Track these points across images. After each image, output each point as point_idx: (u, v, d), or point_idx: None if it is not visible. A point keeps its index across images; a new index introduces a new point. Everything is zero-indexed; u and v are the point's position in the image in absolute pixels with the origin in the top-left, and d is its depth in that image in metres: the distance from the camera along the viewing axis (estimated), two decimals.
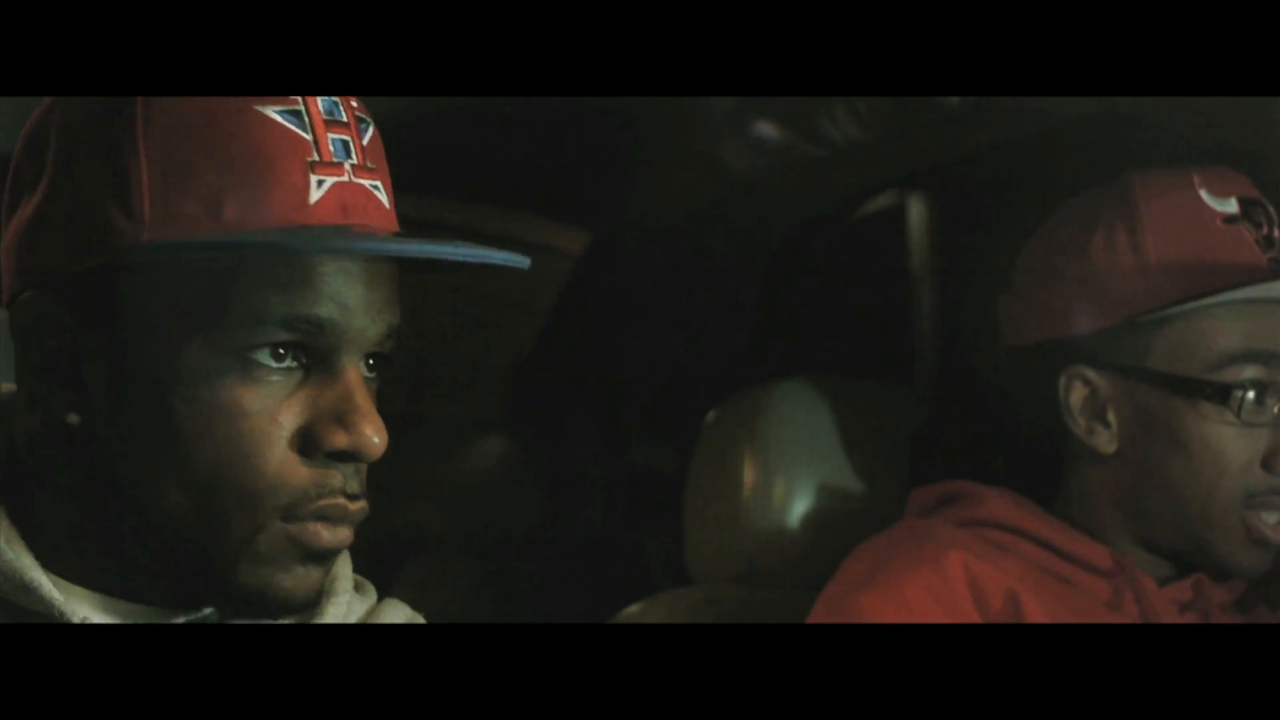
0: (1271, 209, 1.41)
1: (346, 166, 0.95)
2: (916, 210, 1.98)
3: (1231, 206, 1.39)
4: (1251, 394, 1.35)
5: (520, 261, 0.96)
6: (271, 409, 0.94)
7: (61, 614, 0.95)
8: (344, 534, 0.97)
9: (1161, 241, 1.39)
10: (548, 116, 1.79)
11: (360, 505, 0.97)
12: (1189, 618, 1.39)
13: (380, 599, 1.10)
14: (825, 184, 1.93)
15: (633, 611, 1.63)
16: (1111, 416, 1.40)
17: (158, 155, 0.93)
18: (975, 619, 1.34)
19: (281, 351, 0.94)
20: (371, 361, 0.98)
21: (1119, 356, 1.40)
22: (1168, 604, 1.38)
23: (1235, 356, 1.36)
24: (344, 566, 1.07)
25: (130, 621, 0.97)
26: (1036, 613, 1.34)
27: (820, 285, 2.17)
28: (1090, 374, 1.41)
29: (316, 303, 0.94)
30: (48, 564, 0.96)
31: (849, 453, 1.62)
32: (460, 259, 0.94)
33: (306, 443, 0.94)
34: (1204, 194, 1.40)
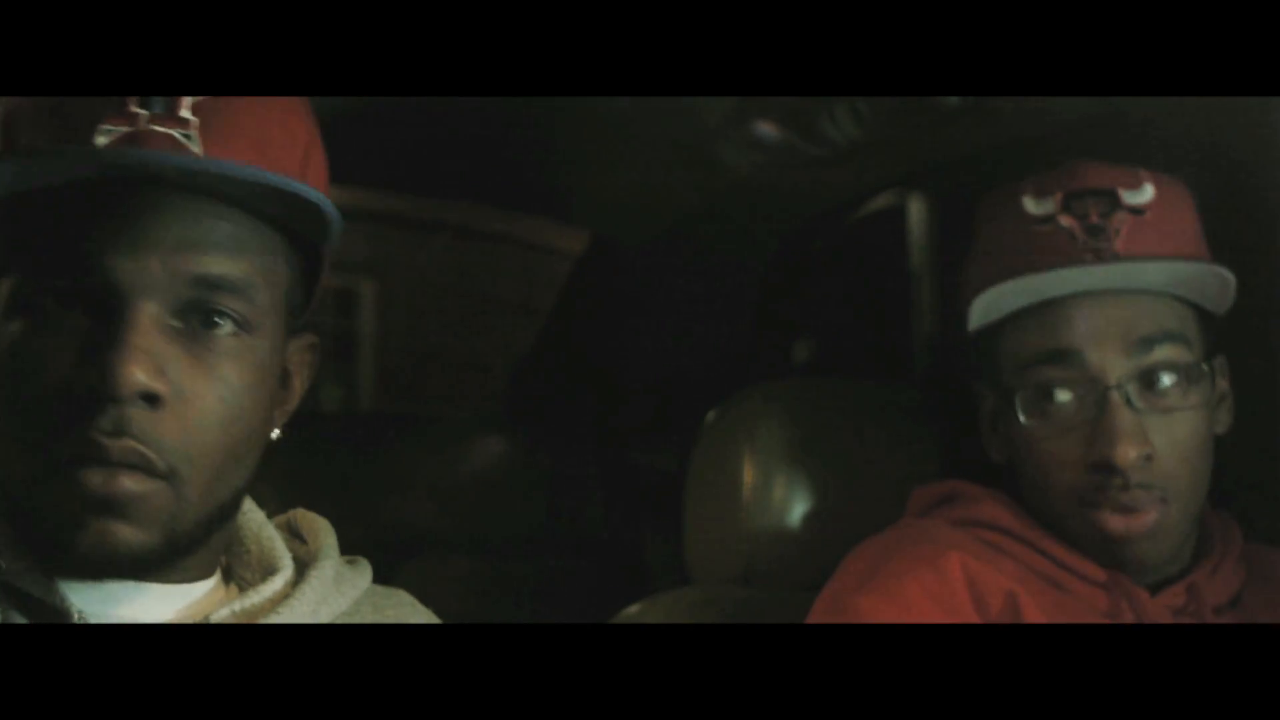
0: (1114, 193, 1.37)
1: (144, 116, 0.94)
2: (916, 210, 1.98)
3: (1048, 207, 1.38)
4: (1060, 394, 1.34)
5: (327, 208, 0.97)
6: (44, 353, 0.93)
7: (63, 601, 0.96)
8: (125, 482, 0.93)
9: (981, 254, 1.42)
10: (547, 116, 1.79)
11: (124, 444, 0.93)
12: (1184, 622, 1.38)
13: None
14: (825, 184, 1.93)
15: (633, 611, 1.63)
16: (1001, 426, 1.42)
17: None
18: (974, 620, 1.34)
19: (70, 297, 0.94)
20: (216, 320, 0.96)
21: (986, 371, 1.42)
22: (1163, 611, 1.38)
23: (1034, 359, 1.35)
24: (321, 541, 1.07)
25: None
26: (1035, 616, 1.34)
27: (820, 285, 2.17)
28: (979, 387, 1.44)
29: (80, 241, 0.93)
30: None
31: (849, 453, 1.62)
32: (226, 174, 0.94)
33: (72, 382, 0.93)
34: (1025, 200, 1.39)
